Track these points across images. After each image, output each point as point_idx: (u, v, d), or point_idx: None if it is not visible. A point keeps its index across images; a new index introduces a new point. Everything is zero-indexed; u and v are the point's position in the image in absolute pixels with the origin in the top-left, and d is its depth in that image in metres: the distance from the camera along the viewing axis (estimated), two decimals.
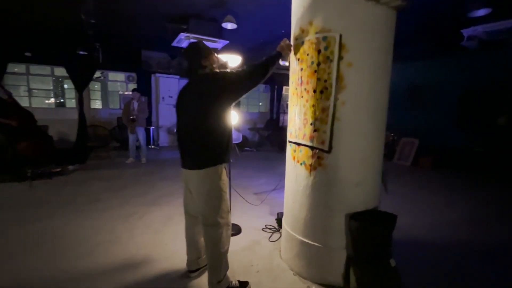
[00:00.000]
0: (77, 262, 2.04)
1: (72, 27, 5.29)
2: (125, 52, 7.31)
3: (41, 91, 7.67)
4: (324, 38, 1.67)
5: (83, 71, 6.85)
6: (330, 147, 1.72)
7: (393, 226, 1.67)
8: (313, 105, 1.76)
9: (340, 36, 1.61)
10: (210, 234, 1.68)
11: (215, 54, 1.77)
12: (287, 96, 11.01)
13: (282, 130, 9.11)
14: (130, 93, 6.06)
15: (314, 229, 1.85)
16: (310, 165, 1.82)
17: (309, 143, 1.82)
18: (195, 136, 1.62)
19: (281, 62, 1.85)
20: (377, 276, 1.60)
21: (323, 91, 1.71)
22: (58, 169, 4.63)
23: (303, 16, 1.78)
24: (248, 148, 8.06)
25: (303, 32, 1.80)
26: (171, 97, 8.12)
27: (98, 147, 6.57)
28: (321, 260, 1.83)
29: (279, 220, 2.69)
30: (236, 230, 2.64)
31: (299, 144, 1.90)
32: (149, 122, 7.55)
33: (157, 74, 7.96)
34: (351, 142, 1.71)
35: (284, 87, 10.24)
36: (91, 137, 6.64)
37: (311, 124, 1.79)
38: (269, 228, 2.72)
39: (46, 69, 7.04)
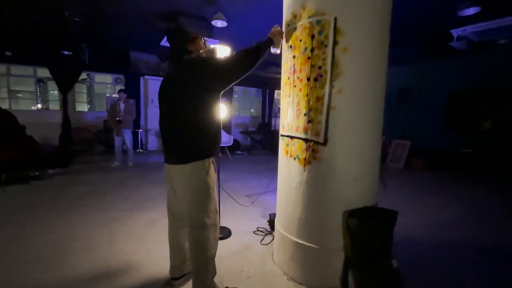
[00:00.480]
0: (43, 275, 1.79)
1: (56, 25, 5.08)
2: (113, 54, 7.11)
3: (23, 93, 7.35)
4: (318, 22, 1.56)
5: (68, 73, 6.60)
6: (326, 139, 1.60)
7: (394, 223, 1.54)
8: (307, 94, 1.64)
9: (335, 19, 1.51)
10: (196, 236, 1.51)
11: (203, 39, 1.63)
12: (279, 100, 10.97)
13: (275, 133, 9.02)
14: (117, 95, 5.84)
15: (309, 229, 1.71)
16: (304, 159, 1.69)
17: (302, 136, 1.69)
18: (179, 127, 1.46)
19: (272, 50, 1.72)
20: (378, 279, 1.46)
21: (318, 78, 1.59)
22: (36, 173, 4.35)
23: (294, 0, 1.67)
24: (239, 152, 7.89)
25: (295, 17, 1.69)
26: None
27: (82, 150, 6.27)
28: (317, 263, 1.68)
29: (271, 222, 2.53)
30: (226, 233, 2.47)
31: (292, 137, 1.77)
32: (137, 125, 7.31)
33: (146, 76, 7.76)
34: (348, 133, 1.59)
35: (276, 91, 10.20)
36: (75, 141, 6.33)
37: (304, 114, 1.66)
38: (261, 231, 2.56)
39: (28, 70, 6.74)
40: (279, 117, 9.40)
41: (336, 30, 1.51)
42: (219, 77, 1.46)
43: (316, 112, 1.61)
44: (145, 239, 2.35)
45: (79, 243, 2.25)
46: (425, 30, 4.54)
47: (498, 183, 4.68)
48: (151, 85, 7.86)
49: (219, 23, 4.13)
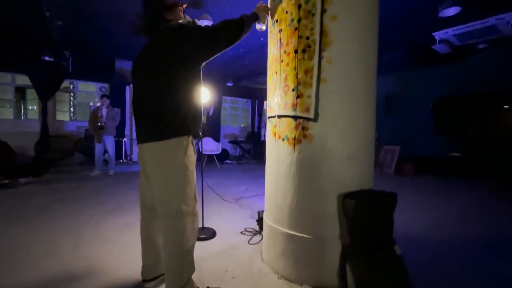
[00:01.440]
0: None
1: (36, 29, 4.90)
2: (97, 61, 6.94)
3: (0, 101, 6.99)
4: None
5: (49, 80, 6.37)
6: (316, 113, 1.46)
7: (395, 205, 1.38)
8: (295, 68, 1.52)
9: None
10: (171, 225, 1.29)
11: (182, 8, 1.48)
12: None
13: (264, 143, 8.90)
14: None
15: (301, 218, 1.52)
16: (294, 138, 1.53)
17: (291, 113, 1.54)
18: (154, 103, 1.28)
19: (257, 26, 1.62)
20: (380, 268, 1.27)
21: (306, 50, 1.48)
22: (6, 182, 3.99)
23: None
24: (228, 161, 7.67)
25: None
26: None
27: (60, 159, 5.89)
28: (311, 256, 1.48)
29: (260, 221, 2.32)
30: (209, 234, 2.23)
31: (280, 117, 1.62)
32: (122, 134, 7.03)
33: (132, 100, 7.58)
34: (340, 107, 1.46)
35: (265, 102, 10.20)
36: (53, 149, 5.97)
37: (293, 90, 1.53)
38: (249, 231, 2.33)
39: (6, 77, 6.44)
40: None
41: None
42: (200, 45, 1.30)
43: (305, 86, 1.48)
44: (117, 242, 2.08)
45: (41, 247, 1.96)
46: (408, 35, 4.64)
47: (488, 185, 4.65)
48: None
49: (206, 23, 4.08)
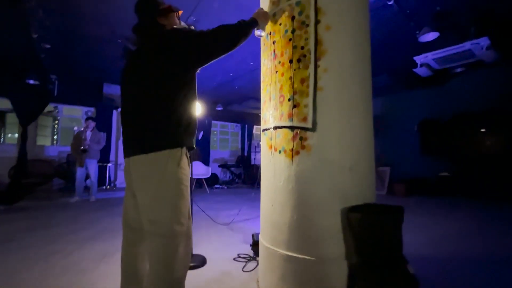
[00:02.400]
0: None
1: (22, 51, 4.83)
2: (85, 85, 6.85)
3: None
4: (298, 3, 1.49)
5: (32, 104, 6.15)
6: (314, 123, 1.40)
7: (402, 219, 1.28)
8: (290, 77, 1.48)
9: None
10: (160, 248, 1.11)
11: (178, 15, 1.39)
12: (258, 135, 10.99)
13: (255, 168, 8.76)
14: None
15: (302, 237, 1.38)
16: (291, 150, 1.45)
17: (288, 123, 1.48)
18: (144, 111, 1.17)
19: (256, 32, 1.54)
20: None
21: (301, 59, 1.45)
22: None
23: None
24: (218, 186, 7.42)
25: (273, 3, 1.62)
26: None
27: (38, 185, 5.50)
28: (314, 279, 1.32)
29: (255, 245, 2.13)
30: (199, 261, 2.01)
31: (276, 128, 1.55)
32: (106, 159, 6.74)
33: (120, 109, 7.47)
34: (339, 116, 1.41)
35: (255, 126, 10.26)
36: (31, 174, 5.59)
37: (289, 99, 1.48)
38: (243, 257, 2.13)
39: None
40: (258, 152, 9.25)
41: (317, 9, 1.44)
42: (195, 50, 1.19)
43: (302, 95, 1.44)
44: (92, 272, 1.83)
45: (2, 280, 1.68)
46: (391, 59, 4.89)
47: (477, 203, 4.65)
48: None
49: None
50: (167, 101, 1.16)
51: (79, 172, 4.84)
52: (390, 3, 3.38)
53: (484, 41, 3.68)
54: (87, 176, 5.01)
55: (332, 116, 1.40)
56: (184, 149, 1.20)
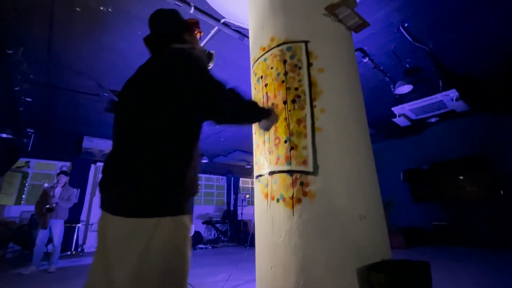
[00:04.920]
0: None
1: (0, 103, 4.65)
2: (63, 139, 6.56)
3: None
4: (289, 49, 1.50)
5: (1, 159, 5.71)
6: (316, 166, 1.25)
7: (430, 277, 1.06)
8: (285, 118, 1.39)
9: (306, 44, 1.46)
10: None
11: (199, 35, 1.20)
12: (245, 188, 10.64)
13: (242, 223, 8.17)
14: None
15: None
16: (292, 197, 1.26)
17: (285, 167, 1.32)
18: (138, 150, 0.86)
19: (259, 125, 1.22)
20: None
21: (295, 100, 1.39)
22: None
23: (262, 36, 1.66)
24: (202, 246, 6.69)
25: (263, 49, 1.63)
26: None
27: None
28: None
29: None
30: None
31: (272, 173, 1.38)
32: (76, 219, 6.04)
33: (99, 163, 7.07)
34: (342, 158, 1.28)
35: (242, 179, 10.00)
36: None
37: (285, 141, 1.36)
38: None
39: None
40: (245, 206, 8.78)
41: (308, 53, 1.45)
42: (202, 93, 0.93)
43: (299, 136, 1.33)
44: None
45: None
46: (372, 110, 5.16)
47: (476, 252, 4.41)
48: None
49: None
50: (172, 140, 0.88)
51: (40, 235, 4.18)
52: (365, 60, 3.70)
53: (453, 93, 3.99)
54: (50, 240, 4.34)
55: (335, 158, 1.27)
56: (188, 216, 0.89)
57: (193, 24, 1.13)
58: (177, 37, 1.07)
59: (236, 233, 7.79)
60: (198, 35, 1.17)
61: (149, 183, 0.82)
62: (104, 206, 0.89)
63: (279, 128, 1.40)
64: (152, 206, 0.81)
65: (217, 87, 0.95)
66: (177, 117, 0.90)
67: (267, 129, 1.24)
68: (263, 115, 1.12)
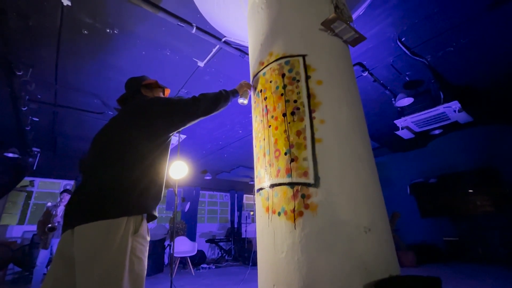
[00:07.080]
0: None
1: (7, 123, 4.75)
2: (69, 157, 6.62)
3: None
4: (287, 62, 1.53)
5: (6, 178, 5.75)
6: (317, 177, 1.23)
7: None
8: (285, 131, 1.39)
9: (304, 57, 1.49)
10: None
11: (164, 92, 1.53)
12: (249, 205, 10.47)
13: (246, 242, 7.96)
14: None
15: None
16: (293, 210, 1.23)
17: (286, 180, 1.30)
18: (107, 172, 1.06)
19: (239, 100, 1.72)
20: None
21: (295, 112, 1.40)
22: None
23: (261, 51, 1.70)
24: (205, 265, 6.50)
25: (262, 64, 1.67)
26: None
27: None
28: None
29: None
30: None
31: (272, 186, 1.36)
32: None
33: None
34: (344, 169, 1.26)
35: (245, 196, 9.88)
36: None
37: (285, 153, 1.35)
38: None
39: None
40: (249, 223, 8.65)
41: (306, 67, 1.47)
42: (173, 113, 1.25)
43: (299, 148, 1.31)
44: None
45: None
46: (375, 123, 5.16)
47: (492, 269, 4.19)
48: None
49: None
50: (137, 165, 1.08)
51: (41, 256, 4.12)
52: (364, 74, 3.74)
53: (455, 105, 3.98)
54: (51, 261, 4.26)
55: (337, 169, 1.25)
56: (145, 216, 1.05)
57: (152, 84, 1.44)
58: (138, 93, 1.38)
59: (240, 252, 7.57)
60: (162, 92, 1.50)
61: (119, 192, 1.01)
62: (68, 222, 1.00)
63: (279, 141, 1.40)
64: (121, 209, 0.98)
65: (179, 97, 1.32)
66: (143, 142, 1.13)
67: (246, 98, 1.69)
68: (231, 94, 1.54)
